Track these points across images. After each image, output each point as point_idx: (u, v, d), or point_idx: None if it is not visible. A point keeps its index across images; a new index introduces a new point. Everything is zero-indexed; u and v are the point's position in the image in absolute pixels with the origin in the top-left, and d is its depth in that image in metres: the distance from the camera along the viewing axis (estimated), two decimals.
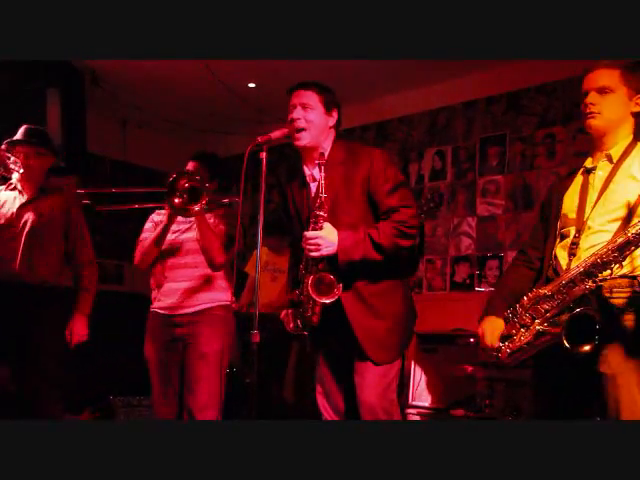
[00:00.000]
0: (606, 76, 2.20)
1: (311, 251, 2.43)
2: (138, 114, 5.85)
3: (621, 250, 2.03)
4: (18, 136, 3.25)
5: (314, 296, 2.42)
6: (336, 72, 4.27)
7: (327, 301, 2.42)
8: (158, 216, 3.22)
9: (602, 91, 2.20)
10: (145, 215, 3.24)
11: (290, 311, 2.67)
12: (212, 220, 3.13)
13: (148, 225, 3.22)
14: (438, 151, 5.34)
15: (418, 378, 4.33)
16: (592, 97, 2.20)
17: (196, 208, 2.87)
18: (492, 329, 2.29)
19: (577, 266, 2.11)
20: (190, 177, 2.91)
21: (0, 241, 3.20)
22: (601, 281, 2.08)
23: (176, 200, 2.88)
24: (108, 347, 4.81)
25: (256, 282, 2.43)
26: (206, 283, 3.12)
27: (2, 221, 3.23)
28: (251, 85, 5.45)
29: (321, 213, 2.43)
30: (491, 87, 5.01)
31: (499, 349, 2.27)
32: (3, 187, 3.35)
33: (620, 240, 2.03)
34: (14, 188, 3.32)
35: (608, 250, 2.05)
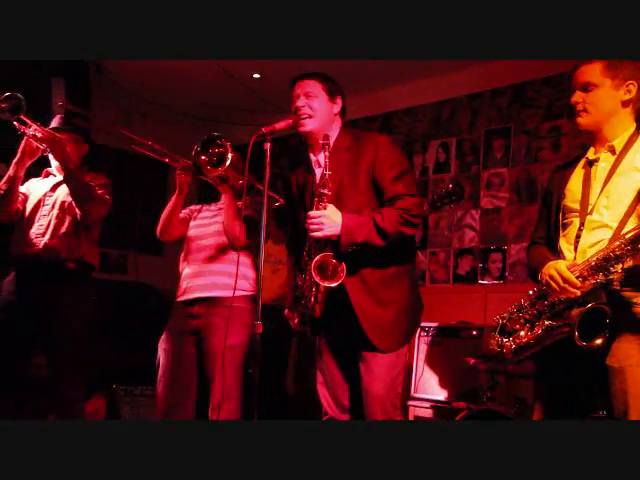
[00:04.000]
0: (587, 72, 2.21)
1: (314, 230, 2.37)
2: (142, 104, 5.85)
3: (634, 243, 2.00)
4: (54, 124, 3.28)
5: (318, 280, 2.35)
6: (341, 63, 4.22)
7: (331, 285, 2.36)
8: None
9: (586, 88, 2.21)
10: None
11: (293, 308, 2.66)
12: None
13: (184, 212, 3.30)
14: (442, 143, 5.32)
15: (420, 371, 4.33)
16: (576, 96, 2.23)
17: (214, 173, 2.82)
18: (557, 267, 2.11)
19: (588, 260, 2.08)
20: (224, 145, 2.81)
21: (32, 220, 3.20)
22: (611, 275, 2.06)
23: (202, 157, 2.80)
24: (111, 336, 4.82)
25: (259, 274, 2.42)
26: (226, 269, 3.07)
27: (35, 202, 3.24)
28: (256, 76, 5.44)
29: (325, 191, 2.38)
30: (496, 79, 4.98)
31: (502, 345, 2.25)
32: (39, 178, 3.36)
33: (633, 233, 2.01)
34: (48, 175, 3.34)
35: (621, 244, 2.02)
